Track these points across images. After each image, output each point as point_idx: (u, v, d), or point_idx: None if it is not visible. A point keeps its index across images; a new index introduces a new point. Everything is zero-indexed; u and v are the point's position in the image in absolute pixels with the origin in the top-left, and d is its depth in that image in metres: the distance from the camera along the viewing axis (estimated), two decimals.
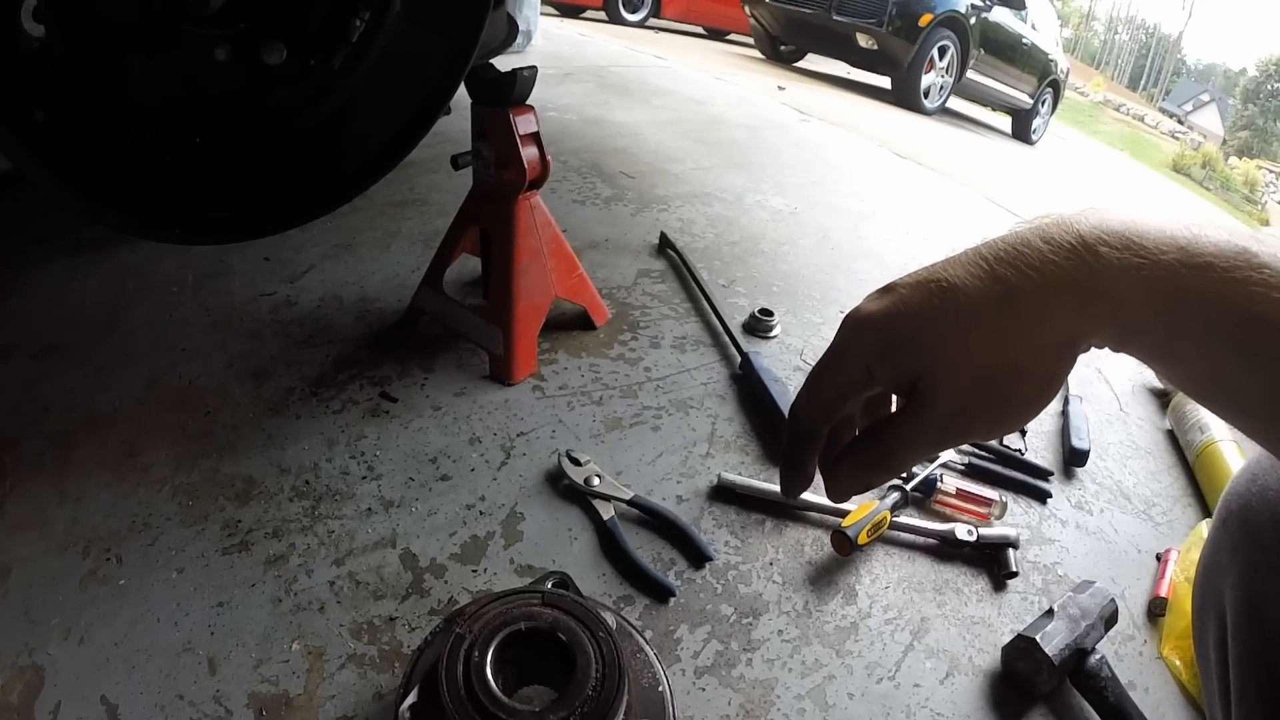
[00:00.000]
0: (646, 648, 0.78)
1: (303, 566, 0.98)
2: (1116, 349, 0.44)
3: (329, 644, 0.89)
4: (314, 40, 0.86)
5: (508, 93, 1.20)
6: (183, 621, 0.91)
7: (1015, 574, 1.09)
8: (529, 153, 1.22)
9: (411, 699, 0.67)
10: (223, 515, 1.05)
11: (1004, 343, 0.42)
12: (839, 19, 6.55)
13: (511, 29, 1.30)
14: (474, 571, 0.99)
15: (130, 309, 1.47)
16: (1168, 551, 1.20)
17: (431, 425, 1.23)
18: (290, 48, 0.85)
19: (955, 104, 8.00)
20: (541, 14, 4.64)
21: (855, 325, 0.46)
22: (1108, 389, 1.58)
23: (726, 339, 1.50)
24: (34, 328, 1.41)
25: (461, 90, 1.14)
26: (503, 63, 1.23)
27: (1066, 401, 1.45)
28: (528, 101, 1.24)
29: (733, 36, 9.76)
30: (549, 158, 1.25)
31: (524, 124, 1.22)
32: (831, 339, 0.49)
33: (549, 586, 0.77)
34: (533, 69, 1.22)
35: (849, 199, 2.52)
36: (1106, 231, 0.42)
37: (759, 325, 1.56)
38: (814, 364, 0.50)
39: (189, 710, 0.82)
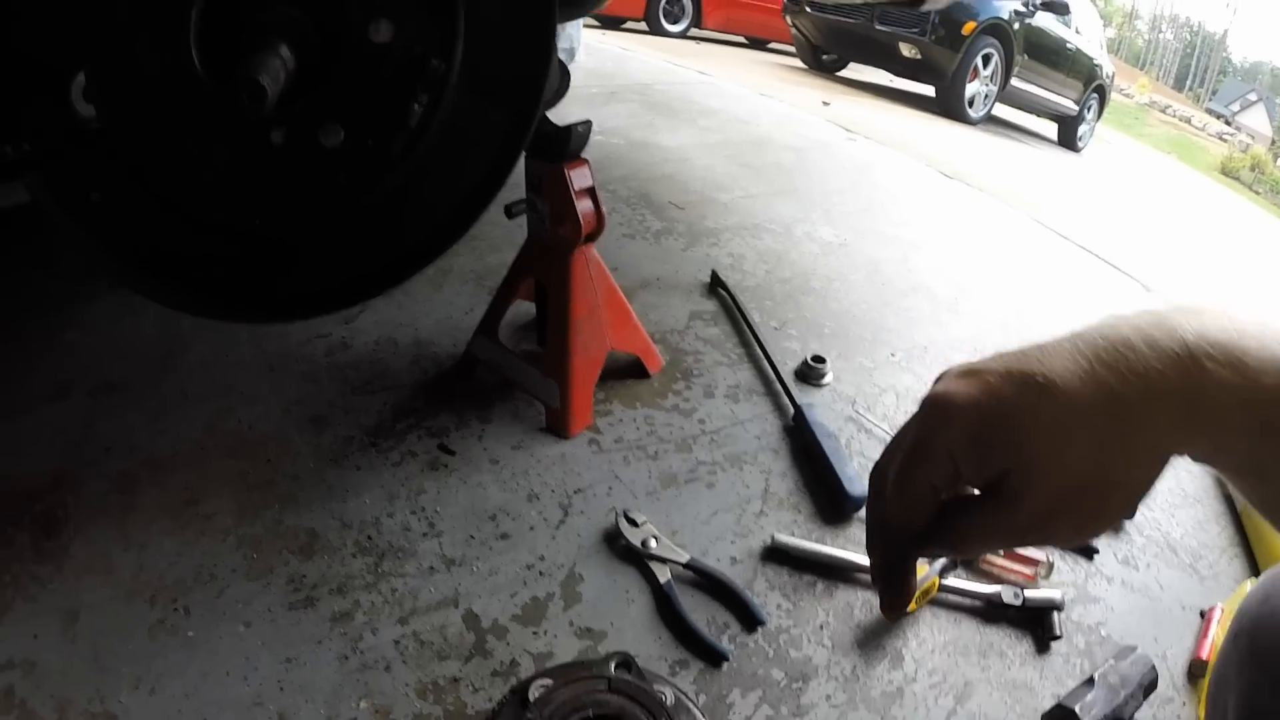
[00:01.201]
0: None
1: (368, 624, 1.00)
2: (1200, 461, 0.43)
3: (396, 703, 0.91)
4: (372, 122, 0.86)
5: (563, 148, 1.21)
6: (252, 676, 0.93)
7: (1059, 637, 1.09)
8: (584, 207, 1.23)
9: None
10: (287, 569, 1.07)
11: (1104, 452, 0.41)
12: (881, 28, 6.50)
13: (564, 79, 1.31)
14: (535, 633, 1.00)
15: (186, 347, 1.49)
16: (1212, 609, 1.18)
17: (490, 480, 1.24)
18: (348, 130, 0.85)
19: (1000, 111, 7.88)
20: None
21: (942, 414, 0.44)
22: None
23: (779, 388, 1.49)
24: (91, 364, 1.43)
25: None
26: None
27: None
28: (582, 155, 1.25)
29: (774, 46, 9.71)
30: (604, 210, 1.26)
31: (579, 179, 1.23)
32: (911, 423, 0.47)
33: (613, 667, 0.78)
34: (587, 124, 1.23)
35: (898, 227, 2.50)
36: (1211, 343, 0.41)
37: (811, 373, 1.55)
38: (893, 454, 0.48)
39: None
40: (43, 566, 1.05)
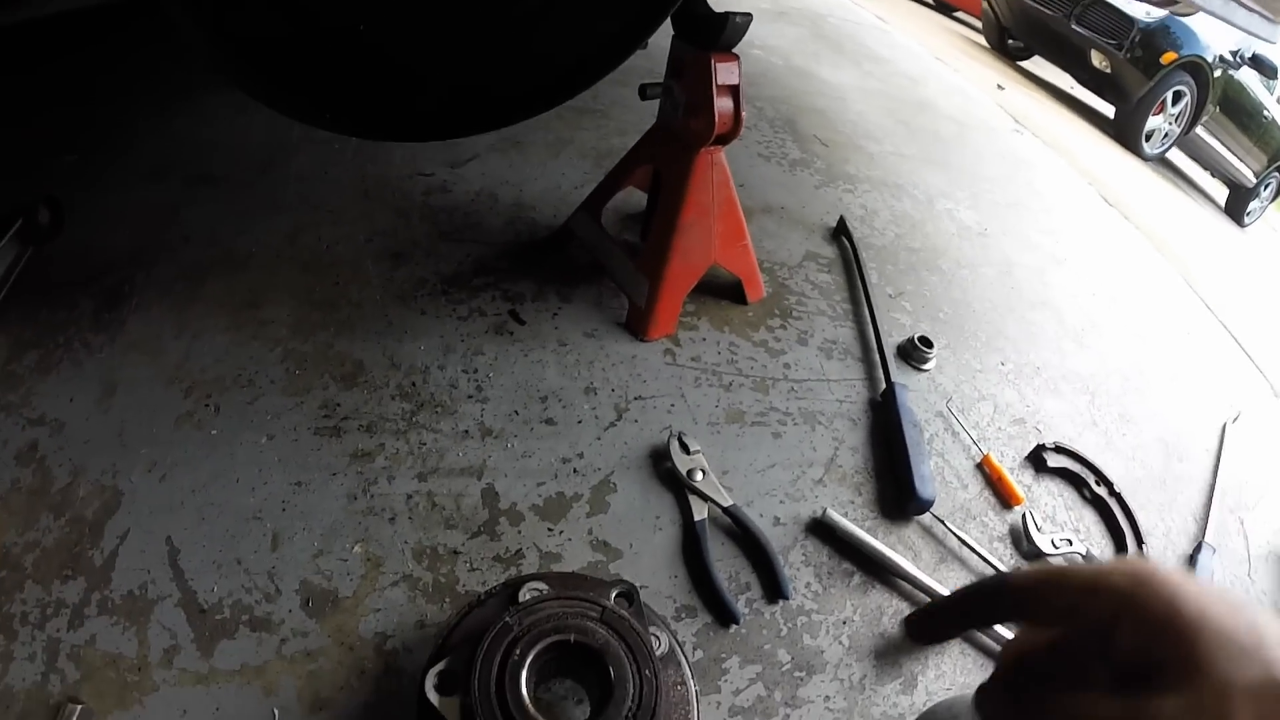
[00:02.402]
0: (689, 682, 0.72)
1: (386, 471, 0.96)
2: None
3: (389, 557, 0.87)
4: None
5: (715, 35, 1.09)
6: (260, 489, 0.91)
7: None
8: (723, 104, 1.11)
9: (441, 666, 0.64)
10: (325, 394, 1.03)
11: None
12: (1078, 29, 6.04)
13: None
14: (550, 530, 0.94)
15: (289, 157, 1.47)
16: None
17: (552, 360, 1.17)
18: None
19: (1174, 157, 7.33)
20: None
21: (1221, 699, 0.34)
22: (1244, 546, 1.39)
23: (877, 358, 1.38)
24: (193, 154, 1.43)
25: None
26: None
27: (1199, 549, 1.27)
28: (734, 50, 1.13)
29: (961, 15, 9.17)
30: (744, 113, 1.14)
31: (725, 73, 1.11)
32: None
33: (613, 596, 0.70)
34: (747, 16, 1.10)
35: (1044, 235, 2.30)
36: None
37: (914, 353, 1.42)
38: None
39: (242, 577, 0.82)
40: (96, 335, 1.05)
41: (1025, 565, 1.07)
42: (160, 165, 1.38)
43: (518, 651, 0.62)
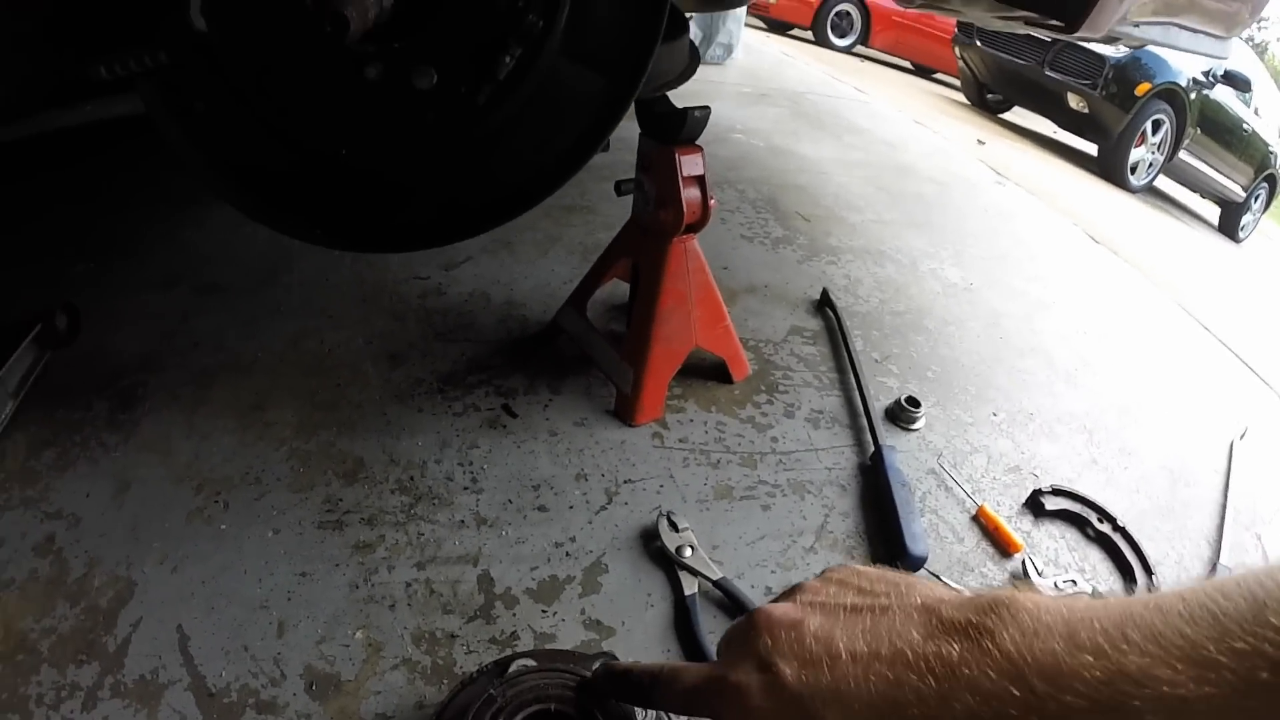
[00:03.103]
0: None
1: (386, 561, 1.00)
2: None
3: (389, 642, 0.91)
4: (466, 69, 0.85)
5: (676, 130, 1.17)
6: (266, 580, 0.95)
7: None
8: (690, 194, 1.19)
9: None
10: (327, 489, 1.08)
11: None
12: (1051, 74, 6.20)
13: (693, 60, 1.27)
14: (544, 612, 0.97)
15: (291, 264, 1.55)
16: None
17: (544, 450, 1.22)
18: (441, 73, 0.84)
19: (1162, 184, 7.40)
20: (747, 25, 4.58)
21: (736, 709, 0.49)
22: (1263, 562, 1.38)
23: (865, 423, 1.41)
24: (201, 264, 1.52)
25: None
26: (700, 74, 1.20)
27: (1214, 571, 1.28)
28: (698, 142, 1.20)
29: (940, 76, 9.40)
30: (712, 202, 1.21)
31: (689, 165, 1.18)
32: (706, 688, 0.52)
33: (596, 667, 0.74)
34: (705, 109, 1.18)
35: (1030, 282, 2.35)
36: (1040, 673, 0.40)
37: (902, 415, 1.46)
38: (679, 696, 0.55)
39: (249, 663, 0.86)
40: (112, 435, 1.11)
41: None
42: (170, 274, 1.46)
43: None
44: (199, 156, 0.95)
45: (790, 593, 0.54)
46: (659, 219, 1.21)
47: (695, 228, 1.23)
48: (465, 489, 1.12)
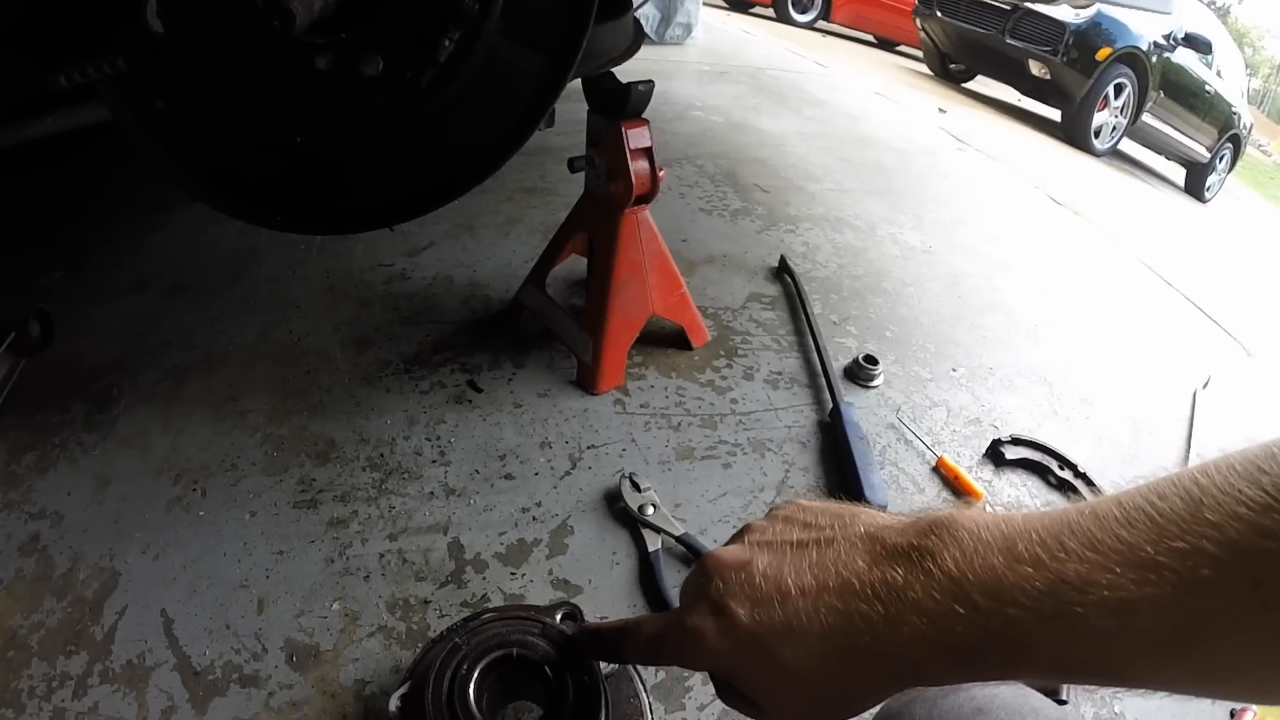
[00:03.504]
0: (642, 694, 0.78)
1: (360, 534, 1.03)
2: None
3: (365, 611, 0.94)
4: (410, 55, 0.88)
5: (622, 105, 1.20)
6: (245, 560, 0.98)
7: (1065, 702, 1.01)
8: (639, 167, 1.22)
9: (404, 690, 0.70)
10: (301, 471, 1.12)
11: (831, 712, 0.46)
12: (1012, 42, 6.21)
13: (637, 38, 1.30)
14: (513, 574, 1.01)
15: (258, 260, 1.57)
16: (1243, 711, 1.09)
17: (509, 422, 1.25)
18: (387, 61, 0.87)
19: (1126, 147, 7.45)
20: (707, 4, 4.58)
21: (693, 651, 0.50)
22: None
23: (824, 382, 1.46)
24: (169, 266, 1.54)
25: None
26: (657, 55, 1.23)
27: None
28: (648, 110, 1.24)
29: (903, 49, 9.41)
30: (661, 173, 1.25)
31: (636, 138, 1.22)
32: (666, 634, 0.53)
33: (558, 617, 0.77)
34: (649, 83, 1.21)
35: (990, 243, 2.40)
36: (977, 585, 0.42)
37: (861, 373, 1.51)
38: (644, 645, 0.56)
39: (232, 640, 0.89)
40: (89, 435, 1.14)
41: None
42: (139, 278, 1.48)
43: (465, 667, 0.69)
44: (162, 153, 0.97)
45: (739, 534, 0.55)
46: (610, 192, 1.24)
47: (645, 199, 1.26)
48: (433, 462, 1.16)
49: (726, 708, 0.79)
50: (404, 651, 0.90)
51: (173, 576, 0.95)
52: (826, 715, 0.46)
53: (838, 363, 1.52)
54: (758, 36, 5.77)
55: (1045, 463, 1.35)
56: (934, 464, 1.32)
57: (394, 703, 0.69)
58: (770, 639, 0.45)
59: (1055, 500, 1.30)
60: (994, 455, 1.36)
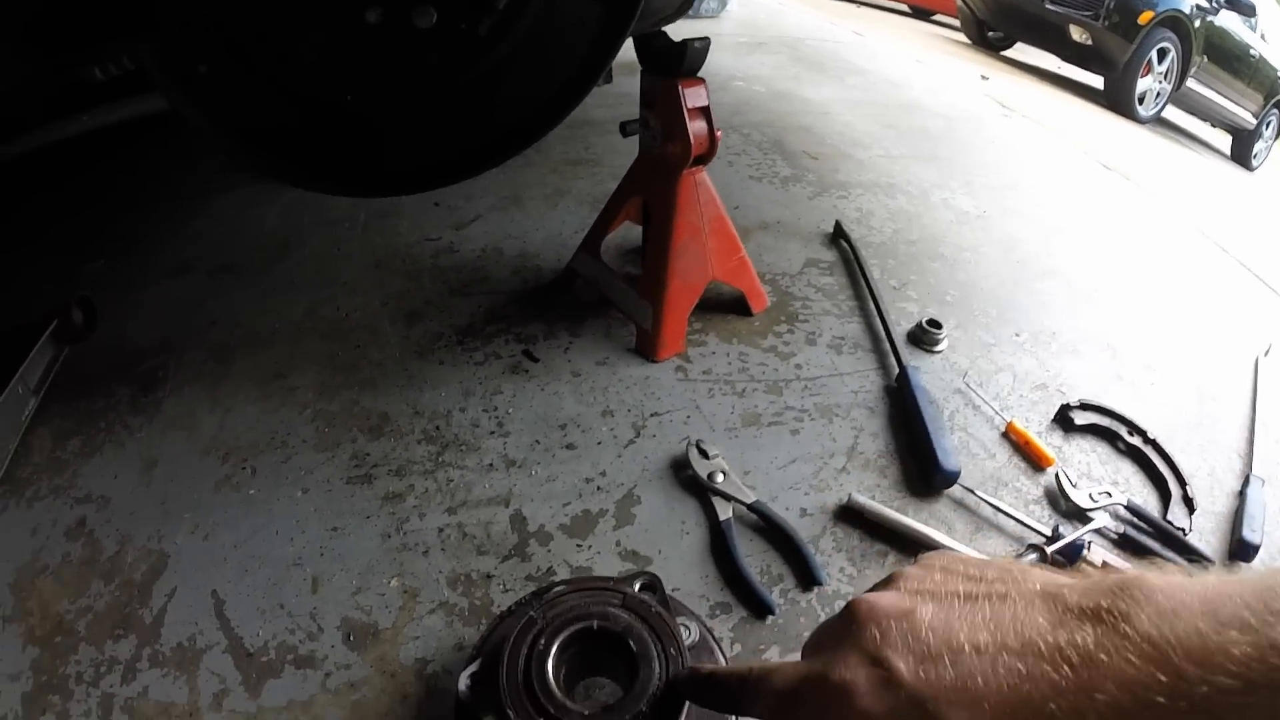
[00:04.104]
0: None
1: (417, 509, 1.00)
2: None
3: (425, 587, 0.91)
4: (464, 5, 0.83)
5: (677, 63, 1.15)
6: (298, 538, 0.95)
7: None
8: (696, 127, 1.17)
9: (474, 668, 0.66)
10: (354, 446, 1.09)
11: None
12: (1052, 8, 6.04)
13: None
14: (579, 546, 0.97)
15: (302, 240, 1.55)
16: None
17: (568, 391, 1.21)
18: (440, 11, 0.83)
19: (1171, 114, 7.24)
20: None
21: (839, 704, 0.43)
22: None
23: (888, 347, 1.40)
24: (213, 248, 1.52)
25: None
26: (692, 28, 1.18)
27: (1247, 482, 1.24)
28: (700, 74, 1.18)
29: (939, 18, 9.21)
30: (718, 133, 1.19)
31: (693, 97, 1.16)
32: (805, 692, 0.46)
33: (636, 587, 0.73)
34: (705, 40, 1.16)
35: (1043, 208, 2.31)
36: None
37: (925, 337, 1.44)
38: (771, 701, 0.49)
39: (286, 620, 0.86)
40: (135, 418, 1.12)
41: (1065, 524, 1.07)
42: (183, 262, 1.47)
43: (543, 642, 0.65)
44: (206, 120, 0.94)
45: (888, 581, 0.50)
46: (667, 153, 1.19)
47: (704, 159, 1.21)
48: (492, 433, 1.12)
49: None
50: (466, 629, 0.87)
51: (223, 556, 0.93)
52: None
53: (899, 327, 1.46)
54: (791, 8, 5.66)
55: (1114, 428, 1.29)
56: (1003, 429, 1.26)
57: (464, 681, 0.65)
58: (938, 702, 0.40)
59: (1125, 467, 1.24)
60: (1063, 420, 1.30)
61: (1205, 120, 7.72)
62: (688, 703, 0.62)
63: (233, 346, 1.26)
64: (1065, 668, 0.37)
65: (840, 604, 0.94)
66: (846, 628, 0.46)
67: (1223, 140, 7.93)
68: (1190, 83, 6.49)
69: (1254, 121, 7.37)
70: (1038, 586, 0.42)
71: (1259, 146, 7.62)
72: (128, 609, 0.86)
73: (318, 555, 0.93)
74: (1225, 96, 7.01)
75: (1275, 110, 7.56)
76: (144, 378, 1.19)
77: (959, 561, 0.48)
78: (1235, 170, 6.99)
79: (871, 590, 0.50)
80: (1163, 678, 0.34)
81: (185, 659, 0.82)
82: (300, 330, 1.30)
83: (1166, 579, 0.38)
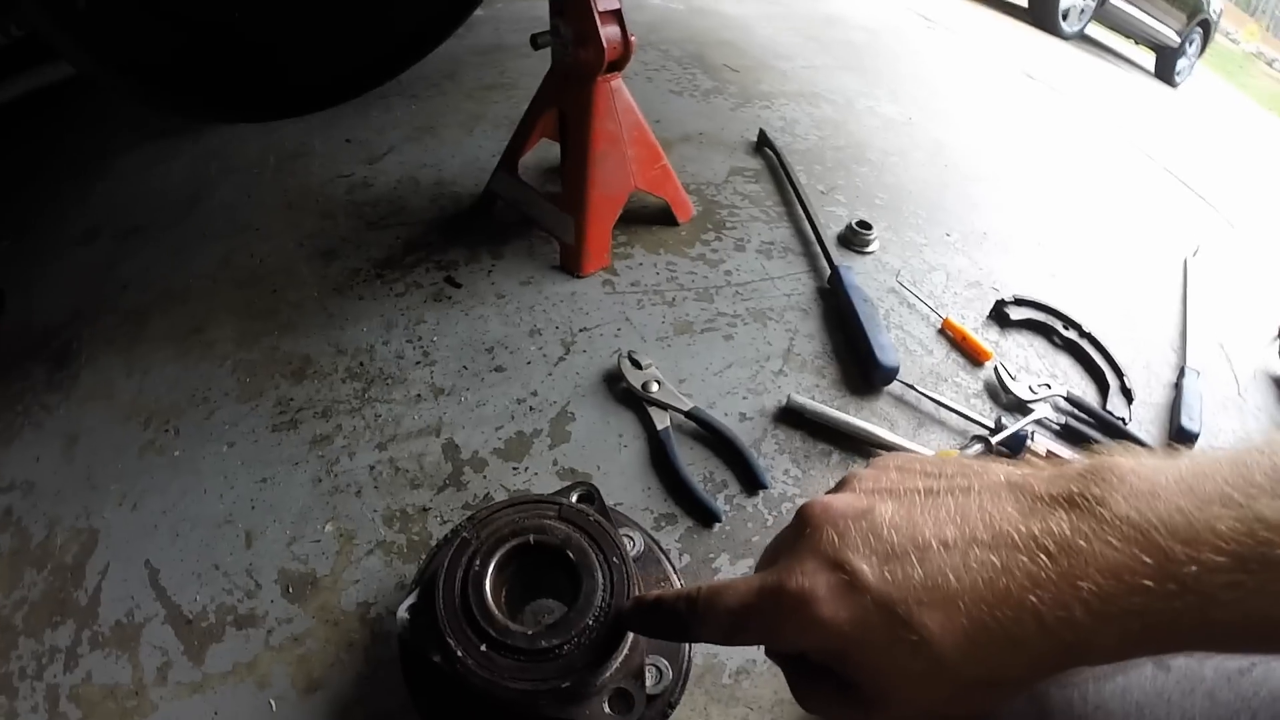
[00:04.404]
0: (674, 576, 0.72)
1: (346, 448, 0.97)
2: None
3: (361, 528, 0.88)
4: None
5: None
6: (227, 495, 0.92)
7: None
8: (609, 31, 1.12)
9: (411, 599, 0.62)
10: (277, 392, 1.04)
11: (966, 707, 0.38)
12: None
13: None
14: (514, 469, 0.95)
15: (211, 191, 1.47)
16: None
17: (493, 314, 1.18)
18: None
19: (1095, 32, 7.29)
20: None
21: (801, 621, 0.39)
22: (1228, 369, 1.39)
23: (818, 249, 1.38)
24: (119, 210, 1.43)
25: None
26: None
27: (1182, 374, 1.27)
28: None
29: None
30: (631, 37, 1.15)
31: (604, 0, 1.11)
32: (761, 598, 0.42)
33: (573, 499, 0.70)
34: None
35: (970, 115, 2.30)
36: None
37: (855, 238, 1.43)
38: (733, 612, 0.44)
39: (222, 580, 0.83)
40: (52, 395, 1.06)
41: (1007, 416, 1.08)
42: (88, 228, 1.39)
43: (478, 563, 0.62)
44: (93, 59, 0.88)
45: (842, 484, 0.46)
46: (579, 60, 1.14)
47: (618, 65, 1.16)
48: (417, 364, 1.09)
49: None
50: (406, 566, 0.85)
51: (153, 524, 0.89)
52: (961, 709, 0.38)
53: (829, 230, 1.44)
54: None
55: (1050, 323, 1.30)
56: (939, 326, 1.26)
57: (402, 615, 0.62)
58: (908, 604, 0.36)
59: (1063, 360, 1.26)
60: (998, 316, 1.31)
61: (1130, 37, 7.79)
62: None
63: (147, 308, 1.20)
64: (1043, 557, 0.35)
65: (788, 507, 0.94)
66: (800, 533, 0.42)
67: (1147, 58, 8.03)
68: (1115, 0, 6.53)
69: (1178, 39, 7.46)
70: (1002, 478, 0.40)
71: (1182, 64, 7.71)
72: (63, 594, 0.83)
73: (249, 509, 0.90)
74: (1149, 14, 7.07)
75: (1199, 29, 7.65)
76: (57, 353, 1.13)
77: (915, 460, 0.45)
78: (1159, 86, 7.08)
79: (827, 493, 0.46)
80: (1148, 560, 0.32)
81: (125, 636, 0.79)
82: (215, 282, 1.24)
83: (1137, 461, 0.36)
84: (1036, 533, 0.35)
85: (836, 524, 0.41)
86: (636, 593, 0.61)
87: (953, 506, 0.39)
